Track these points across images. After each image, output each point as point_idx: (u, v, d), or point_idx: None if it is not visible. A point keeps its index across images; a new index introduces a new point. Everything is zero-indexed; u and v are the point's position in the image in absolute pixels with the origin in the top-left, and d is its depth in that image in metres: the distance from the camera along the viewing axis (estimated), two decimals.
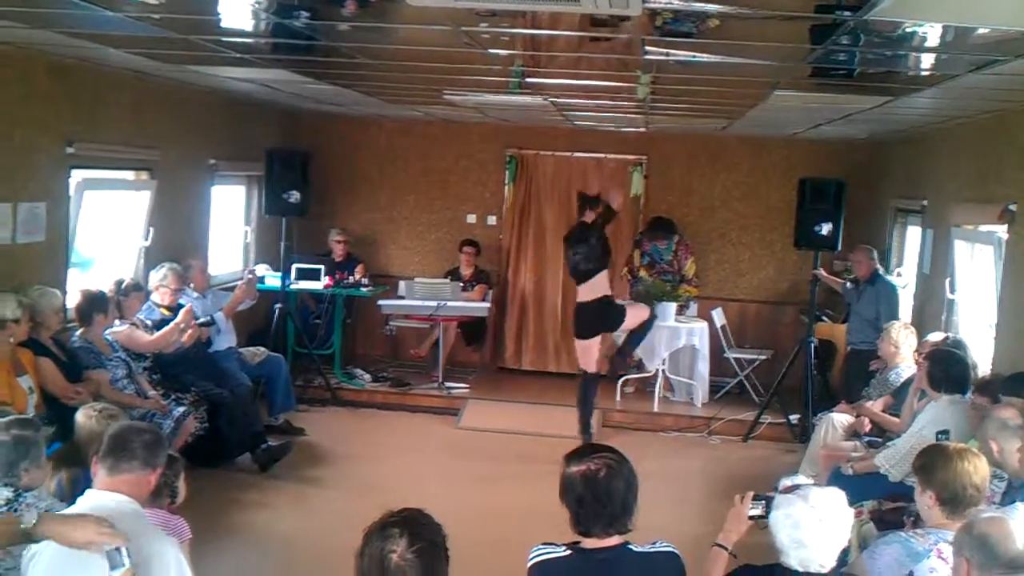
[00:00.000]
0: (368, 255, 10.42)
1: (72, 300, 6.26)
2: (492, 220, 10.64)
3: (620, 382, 9.15)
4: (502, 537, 5.37)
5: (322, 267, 9.42)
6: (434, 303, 9.00)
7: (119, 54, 5.84)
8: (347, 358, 9.83)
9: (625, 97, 6.80)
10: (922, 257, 8.16)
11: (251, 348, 8.13)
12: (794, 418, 8.48)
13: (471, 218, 10.66)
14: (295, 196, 8.62)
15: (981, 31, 3.81)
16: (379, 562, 2.32)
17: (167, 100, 7.63)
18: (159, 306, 7.03)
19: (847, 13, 3.55)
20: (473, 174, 10.63)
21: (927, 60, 4.73)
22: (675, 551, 3.02)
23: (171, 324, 6.76)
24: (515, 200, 10.52)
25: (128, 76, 6.89)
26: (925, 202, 8.06)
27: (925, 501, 3.55)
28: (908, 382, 6.22)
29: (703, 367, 9.27)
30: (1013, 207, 5.93)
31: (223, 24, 4.82)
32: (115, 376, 6.17)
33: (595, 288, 7.42)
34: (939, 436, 4.86)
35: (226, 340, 7.70)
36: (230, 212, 9.43)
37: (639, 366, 9.12)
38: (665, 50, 4.65)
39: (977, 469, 3.51)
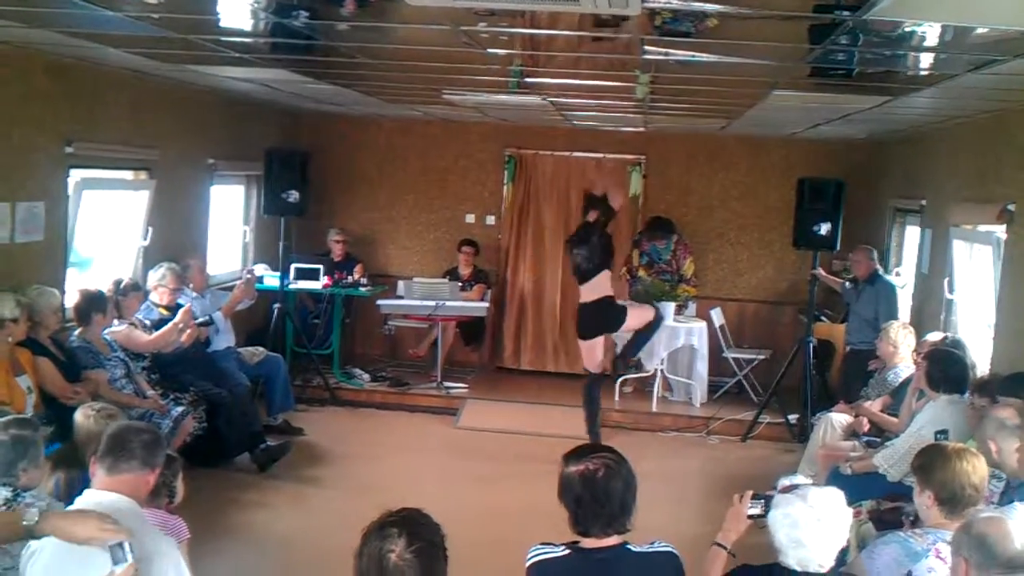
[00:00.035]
0: (367, 255, 10.42)
1: (71, 300, 6.25)
2: (491, 220, 10.64)
3: (619, 382, 9.15)
4: (501, 537, 5.38)
5: (321, 267, 9.43)
6: (433, 303, 9.00)
7: (118, 53, 5.83)
8: (346, 358, 9.82)
9: (624, 97, 6.81)
10: (921, 257, 8.16)
11: (250, 348, 8.12)
12: (793, 418, 8.49)
13: (470, 218, 10.66)
14: (294, 196, 8.63)
15: (980, 31, 3.81)
16: (377, 562, 2.32)
17: (166, 100, 7.63)
18: (158, 306, 7.03)
19: (846, 13, 3.55)
20: (472, 174, 10.63)
21: (926, 60, 4.73)
22: (674, 551, 3.02)
23: (170, 324, 6.76)
24: (514, 200, 10.51)
25: (127, 75, 6.88)
26: (924, 202, 8.07)
27: (924, 501, 3.56)
28: (907, 382, 6.22)
29: (702, 367, 9.28)
30: (1012, 207, 5.93)
31: (222, 24, 4.82)
32: (113, 376, 6.16)
33: (596, 288, 7.42)
34: (938, 436, 4.86)
35: (225, 340, 7.70)
36: (229, 212, 9.43)
37: (637, 366, 9.11)
38: (664, 50, 4.65)
39: (976, 469, 3.51)
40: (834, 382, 8.69)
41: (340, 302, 9.55)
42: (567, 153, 10.41)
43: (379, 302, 9.41)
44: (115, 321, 6.47)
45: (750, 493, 3.24)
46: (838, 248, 8.34)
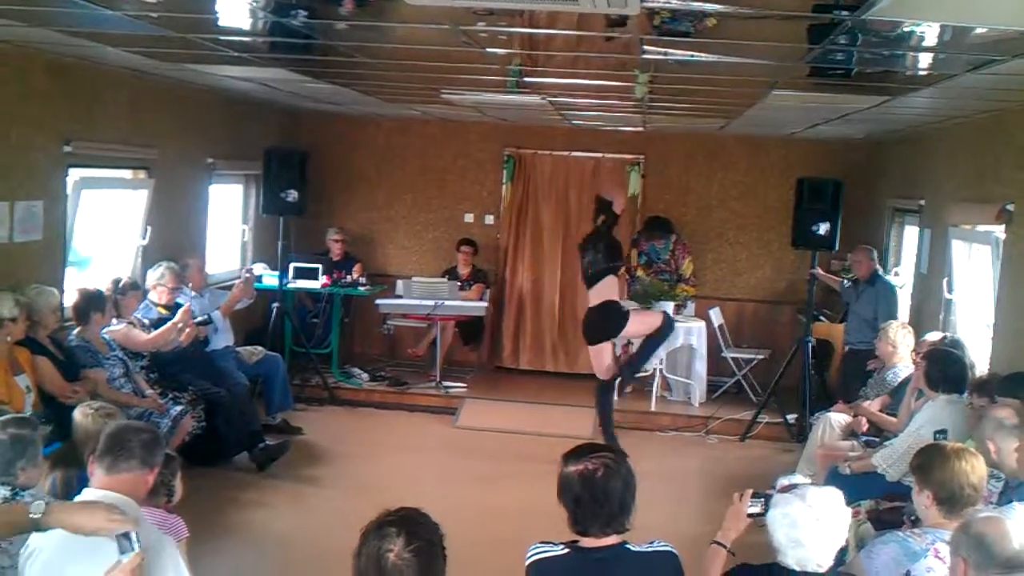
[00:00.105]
0: (366, 254, 10.41)
1: (69, 299, 6.25)
2: (490, 219, 10.64)
3: (617, 381, 9.12)
4: (499, 536, 5.37)
5: (320, 266, 9.43)
6: (431, 302, 9.00)
7: (117, 52, 5.83)
8: (345, 357, 9.82)
9: (623, 96, 6.81)
10: (920, 257, 8.16)
11: (248, 347, 8.12)
12: (791, 417, 8.49)
13: (469, 217, 10.65)
14: (293, 195, 8.62)
15: (979, 31, 3.81)
16: (376, 561, 2.31)
17: (165, 99, 7.62)
18: (156, 305, 7.03)
19: (845, 12, 3.55)
20: (471, 173, 10.63)
21: (925, 60, 4.73)
22: (673, 550, 3.02)
23: (169, 323, 6.75)
24: (513, 199, 10.51)
25: (126, 75, 6.88)
26: (923, 202, 8.07)
27: (922, 501, 3.56)
28: (906, 382, 6.22)
29: (700, 366, 9.28)
30: (1011, 207, 5.93)
31: (221, 23, 4.82)
32: (112, 375, 6.16)
33: (600, 292, 7.39)
34: (937, 436, 4.86)
35: (223, 339, 7.70)
36: (228, 211, 9.42)
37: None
38: (663, 49, 4.65)
39: (975, 469, 3.51)
40: (833, 382, 8.69)
41: (339, 301, 9.55)
42: (566, 153, 10.41)
43: (378, 301, 9.41)
44: (114, 320, 6.47)
45: (750, 491, 3.24)
46: (837, 248, 8.34)
